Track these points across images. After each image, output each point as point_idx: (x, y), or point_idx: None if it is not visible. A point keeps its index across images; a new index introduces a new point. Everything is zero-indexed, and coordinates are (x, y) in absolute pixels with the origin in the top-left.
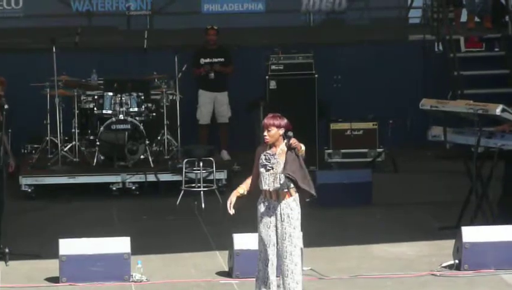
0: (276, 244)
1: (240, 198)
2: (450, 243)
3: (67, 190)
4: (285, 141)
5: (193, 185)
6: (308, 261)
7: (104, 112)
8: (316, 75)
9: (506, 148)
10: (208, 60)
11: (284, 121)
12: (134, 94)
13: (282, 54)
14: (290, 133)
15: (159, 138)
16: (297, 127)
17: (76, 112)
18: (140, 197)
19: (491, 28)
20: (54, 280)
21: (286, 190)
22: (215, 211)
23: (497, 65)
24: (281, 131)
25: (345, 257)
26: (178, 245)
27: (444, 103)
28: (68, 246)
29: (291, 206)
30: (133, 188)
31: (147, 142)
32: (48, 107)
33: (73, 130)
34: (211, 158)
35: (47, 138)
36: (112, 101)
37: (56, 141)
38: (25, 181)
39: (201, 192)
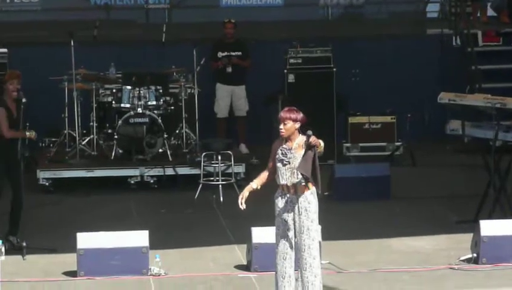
0: (293, 238)
1: (253, 192)
2: (468, 237)
3: (86, 183)
4: (305, 140)
5: (211, 178)
6: (326, 254)
7: (122, 105)
8: (335, 69)
9: None
10: (225, 54)
11: (300, 115)
12: (153, 88)
13: (301, 47)
14: (310, 132)
15: (177, 131)
16: (316, 121)
17: (95, 105)
18: (159, 191)
19: (508, 22)
20: (72, 273)
21: (304, 184)
22: (233, 205)
23: None
24: (297, 125)
25: (363, 250)
26: (196, 239)
27: (462, 96)
28: (86, 240)
29: (308, 200)
30: (151, 181)
31: (165, 135)
32: (66, 100)
33: (91, 123)
34: (229, 152)
35: (65, 132)
36: (130, 95)
37: (74, 135)
38: (43, 175)
39: (220, 186)
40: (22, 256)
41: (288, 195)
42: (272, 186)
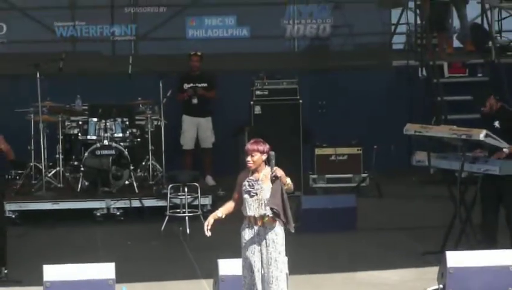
0: (260, 270)
1: (219, 223)
2: (434, 268)
3: (52, 215)
4: (270, 167)
5: (178, 210)
6: (292, 287)
7: (88, 137)
8: (301, 101)
9: (490, 173)
10: (191, 85)
11: (267, 147)
12: (119, 120)
13: (267, 79)
14: (272, 154)
15: (143, 163)
16: (282, 152)
17: (61, 137)
18: (125, 223)
19: (474, 50)
20: None
21: (271, 215)
22: (200, 237)
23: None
24: (264, 156)
25: (330, 283)
26: (163, 271)
27: (427, 128)
28: (52, 272)
29: (276, 231)
30: (118, 213)
31: (132, 167)
32: (32, 132)
33: (57, 155)
34: (195, 183)
35: (31, 164)
36: (97, 127)
37: (40, 167)
38: (9, 207)
39: (186, 217)
40: None
41: (255, 227)
42: (238, 217)
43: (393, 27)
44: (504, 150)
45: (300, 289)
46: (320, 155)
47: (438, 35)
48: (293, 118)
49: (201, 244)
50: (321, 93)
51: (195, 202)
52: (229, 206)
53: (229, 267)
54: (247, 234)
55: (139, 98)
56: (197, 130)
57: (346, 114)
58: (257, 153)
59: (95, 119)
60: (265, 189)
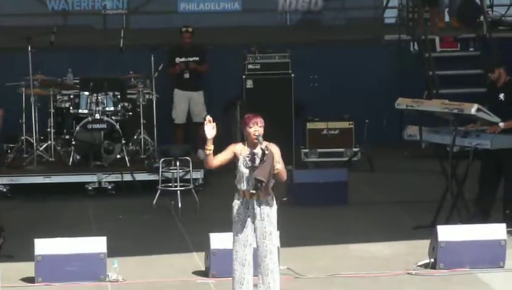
0: (252, 244)
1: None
2: (425, 242)
3: (43, 189)
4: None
5: (170, 184)
6: (284, 260)
7: (80, 111)
8: (293, 75)
9: (481, 147)
10: (183, 59)
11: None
12: (111, 93)
13: (259, 53)
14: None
15: (135, 137)
16: (274, 126)
17: (52, 111)
18: (117, 197)
19: (458, 26)
20: (30, 280)
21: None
22: (191, 211)
23: (472, 65)
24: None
25: (322, 256)
26: (154, 245)
27: (419, 102)
28: (44, 246)
29: (270, 205)
30: (109, 187)
31: (123, 141)
32: (24, 106)
33: (48, 129)
34: (187, 158)
35: (22, 138)
36: (88, 101)
37: (32, 141)
38: (0, 181)
39: (178, 191)
40: None
41: (249, 201)
42: (229, 192)
43: (385, 1)
44: (500, 124)
45: (292, 262)
46: (312, 129)
47: (430, 10)
48: (285, 92)
49: (193, 219)
50: (313, 68)
51: (187, 176)
52: (217, 159)
53: (220, 241)
54: (240, 208)
55: (131, 72)
56: (188, 104)
57: (338, 88)
58: (262, 125)
59: (86, 93)
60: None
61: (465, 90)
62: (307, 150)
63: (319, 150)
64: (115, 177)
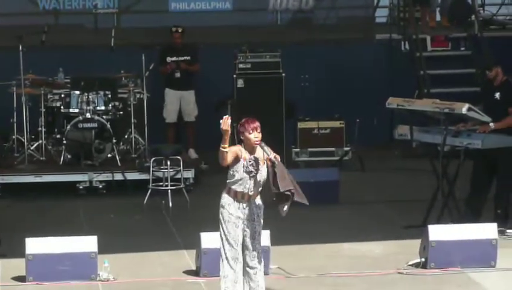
0: (241, 244)
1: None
2: (416, 242)
3: (34, 188)
4: (267, 157)
5: (160, 183)
6: (275, 259)
7: (71, 110)
8: (284, 74)
9: (472, 147)
10: (174, 58)
11: None
12: (101, 93)
13: (250, 52)
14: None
15: (126, 136)
16: (265, 126)
17: (43, 110)
18: (108, 196)
19: (448, 26)
20: (21, 279)
21: (257, 192)
22: (182, 210)
23: (463, 64)
24: None
25: (312, 255)
26: (145, 244)
27: (410, 101)
28: (35, 245)
29: (259, 206)
30: (100, 186)
31: (114, 140)
32: (15, 105)
33: (39, 128)
34: (178, 157)
35: (13, 137)
36: (79, 100)
37: (23, 140)
38: None
39: (169, 191)
40: None
41: (241, 202)
42: (220, 192)
43: (376, 0)
44: (491, 124)
45: (283, 261)
46: (303, 129)
47: (421, 9)
48: (275, 92)
49: (184, 218)
50: (304, 67)
51: (178, 175)
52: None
53: (211, 240)
54: (232, 208)
55: (122, 71)
56: (180, 104)
57: (329, 87)
58: (260, 130)
59: (77, 92)
60: (262, 170)
61: (456, 90)
62: (297, 150)
63: (310, 149)
64: (105, 177)
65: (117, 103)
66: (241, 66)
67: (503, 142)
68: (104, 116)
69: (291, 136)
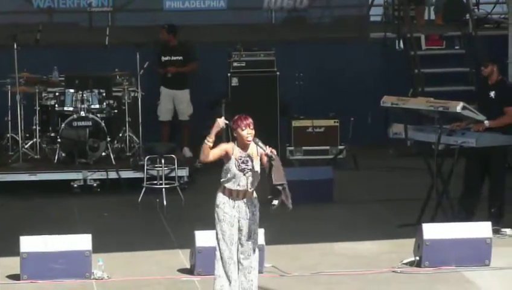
0: (237, 242)
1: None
2: (410, 241)
3: (28, 187)
4: (263, 152)
5: (155, 182)
6: (269, 258)
7: (65, 108)
8: (278, 73)
9: (467, 145)
10: (167, 58)
11: None
12: (96, 91)
13: (244, 51)
14: (257, 140)
15: (120, 135)
16: (260, 124)
17: (38, 108)
18: (102, 195)
19: (442, 24)
20: (15, 277)
21: (252, 189)
22: (177, 209)
23: (458, 63)
24: None
25: (306, 254)
26: (139, 243)
27: (404, 100)
28: (29, 243)
29: (254, 204)
30: (95, 185)
31: (108, 139)
32: (9, 104)
33: (34, 127)
34: (172, 155)
35: (8, 135)
36: (73, 98)
37: (17, 138)
38: None
39: (163, 189)
40: None
41: (236, 200)
42: (214, 190)
43: None
44: (485, 122)
45: (278, 260)
46: (297, 127)
47: (415, 8)
48: (270, 90)
49: (178, 216)
50: (298, 65)
51: (172, 174)
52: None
53: (205, 238)
54: (227, 207)
55: (116, 70)
56: (173, 102)
57: (323, 86)
58: (253, 127)
59: (71, 91)
60: (255, 166)
61: (450, 88)
62: (292, 148)
63: (304, 147)
64: (100, 175)
65: (111, 101)
66: (235, 64)
67: (497, 141)
68: (99, 115)
69: (286, 135)
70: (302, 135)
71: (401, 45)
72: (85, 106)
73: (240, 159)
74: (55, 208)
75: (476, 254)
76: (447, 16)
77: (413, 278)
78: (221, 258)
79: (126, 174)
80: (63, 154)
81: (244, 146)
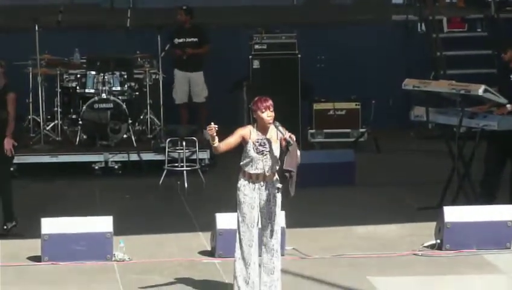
0: (258, 225)
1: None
2: (431, 223)
3: (50, 169)
4: (282, 136)
5: (176, 164)
6: (290, 240)
7: (86, 91)
8: (299, 55)
9: (488, 128)
10: (181, 40)
11: None
12: (117, 73)
13: (266, 33)
14: (277, 123)
15: (141, 117)
16: (281, 107)
17: (59, 90)
18: (123, 177)
19: (464, 7)
20: (36, 258)
21: (272, 172)
22: (198, 191)
23: (480, 46)
24: None
25: (328, 236)
26: (160, 225)
27: (426, 83)
28: (50, 225)
29: (276, 186)
30: (116, 167)
31: (130, 121)
32: (31, 86)
33: (55, 109)
34: (193, 138)
35: (29, 117)
36: (95, 80)
37: (38, 120)
38: None
39: (184, 172)
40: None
41: (256, 183)
42: (235, 173)
43: None
44: (508, 106)
45: (298, 243)
46: (318, 110)
47: None
48: (291, 73)
49: (199, 199)
50: (320, 48)
51: (194, 156)
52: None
53: (226, 221)
54: (247, 189)
55: (138, 52)
56: (188, 85)
57: (344, 69)
58: (273, 109)
59: (93, 73)
60: (274, 149)
61: (472, 71)
62: (313, 131)
63: (326, 130)
64: (121, 157)
65: (133, 84)
66: (256, 47)
67: None
68: (120, 97)
69: (307, 118)
70: (323, 117)
71: (423, 28)
72: (106, 88)
73: (258, 142)
74: (77, 190)
75: (497, 237)
76: None
77: (434, 261)
78: (242, 240)
79: (147, 156)
80: (85, 137)
81: (263, 129)
